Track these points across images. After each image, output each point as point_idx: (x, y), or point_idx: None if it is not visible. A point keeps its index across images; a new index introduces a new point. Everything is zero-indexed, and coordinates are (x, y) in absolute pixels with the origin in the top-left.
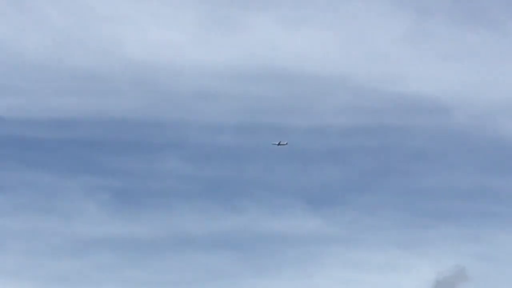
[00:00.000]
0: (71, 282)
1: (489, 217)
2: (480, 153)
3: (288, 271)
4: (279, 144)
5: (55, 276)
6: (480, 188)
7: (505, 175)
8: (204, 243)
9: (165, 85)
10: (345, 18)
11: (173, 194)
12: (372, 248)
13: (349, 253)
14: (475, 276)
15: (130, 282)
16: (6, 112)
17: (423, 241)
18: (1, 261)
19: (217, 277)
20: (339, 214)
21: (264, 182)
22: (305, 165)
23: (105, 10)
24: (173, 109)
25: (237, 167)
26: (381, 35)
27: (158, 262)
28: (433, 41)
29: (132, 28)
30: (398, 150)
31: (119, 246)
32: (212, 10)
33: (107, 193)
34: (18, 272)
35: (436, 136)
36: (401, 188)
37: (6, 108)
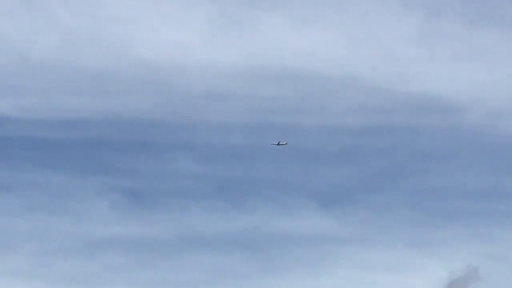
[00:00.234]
0: (82, 282)
1: (502, 216)
2: (492, 152)
3: (299, 271)
4: (278, 144)
5: (66, 277)
6: (492, 188)
7: None
8: (214, 243)
9: (175, 85)
10: (355, 18)
11: (184, 194)
12: (384, 248)
13: (361, 253)
14: (487, 276)
15: (141, 282)
16: (17, 112)
17: (435, 241)
18: (13, 261)
19: (228, 277)
20: (350, 214)
21: (274, 182)
22: (315, 165)
23: (115, 10)
24: (184, 109)
25: (247, 167)
26: (391, 34)
27: (169, 262)
28: (444, 40)
29: (142, 28)
30: (409, 150)
31: (130, 247)
32: (222, 10)
33: (118, 193)
34: (29, 272)
35: (447, 135)
36: (412, 188)
37: (17, 108)
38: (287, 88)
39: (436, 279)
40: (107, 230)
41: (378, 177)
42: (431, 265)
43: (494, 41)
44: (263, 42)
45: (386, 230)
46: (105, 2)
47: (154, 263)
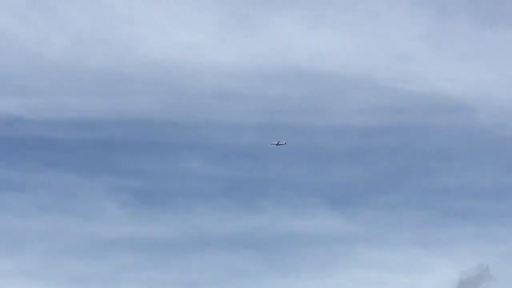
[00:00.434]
0: (91, 282)
1: None
2: (502, 151)
3: (309, 271)
4: (277, 144)
5: (75, 277)
6: (502, 187)
7: None
8: (225, 243)
9: (186, 86)
10: (365, 17)
11: (194, 194)
12: (395, 248)
13: (371, 253)
14: (499, 275)
15: (151, 282)
16: (27, 113)
17: (446, 241)
18: (23, 261)
19: (237, 277)
20: (360, 213)
21: (284, 182)
22: (325, 165)
23: (125, 11)
24: (194, 109)
25: (257, 167)
26: (401, 34)
27: (179, 263)
28: (454, 39)
29: (153, 28)
30: (420, 149)
31: (140, 247)
32: (233, 10)
33: (128, 193)
34: (39, 272)
35: (457, 135)
36: (423, 188)
37: (27, 108)
38: (298, 88)
39: (446, 278)
40: (117, 230)
41: (388, 177)
42: (442, 264)
43: (504, 40)
44: (274, 42)
45: (396, 230)
46: (115, 2)
47: (164, 263)
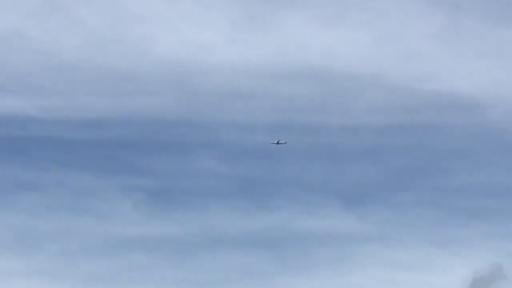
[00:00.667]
0: (105, 282)
1: None
2: None
3: (323, 270)
4: (277, 143)
5: (89, 276)
6: None
7: None
8: (238, 242)
9: (198, 85)
10: (377, 16)
11: (207, 193)
12: (408, 247)
13: (385, 251)
14: None
15: (165, 281)
16: (40, 113)
17: (459, 240)
18: (36, 261)
19: (252, 276)
20: (374, 212)
21: (298, 180)
22: (338, 164)
23: (137, 10)
24: (206, 109)
25: (270, 166)
26: (414, 32)
27: (192, 262)
28: (467, 38)
29: (165, 27)
30: (432, 148)
31: (153, 246)
32: (244, 9)
33: (141, 193)
34: (52, 272)
35: (470, 133)
36: (436, 186)
37: (40, 108)
38: (310, 87)
39: (460, 277)
40: (131, 230)
41: (402, 176)
42: (455, 263)
43: None
44: (286, 41)
45: (409, 229)
46: (128, 2)
47: (177, 262)
